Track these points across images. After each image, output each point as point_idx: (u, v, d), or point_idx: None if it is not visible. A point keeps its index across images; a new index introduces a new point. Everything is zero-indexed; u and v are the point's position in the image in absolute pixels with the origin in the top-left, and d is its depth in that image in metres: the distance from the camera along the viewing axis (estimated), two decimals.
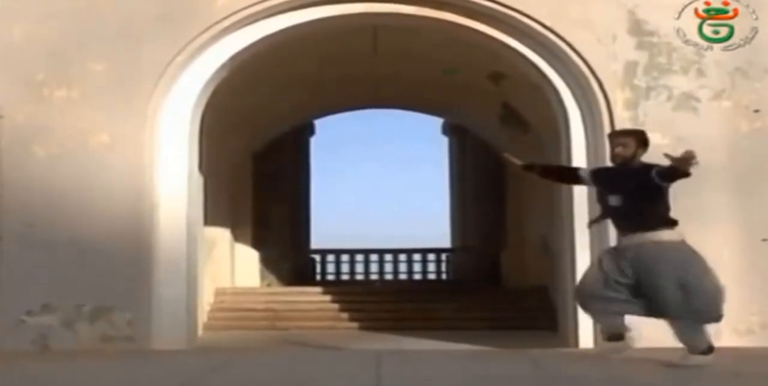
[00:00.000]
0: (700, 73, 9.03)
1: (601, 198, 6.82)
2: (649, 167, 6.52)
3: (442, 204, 22.35)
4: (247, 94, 12.89)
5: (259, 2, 9.14)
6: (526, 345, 9.23)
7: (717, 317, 6.55)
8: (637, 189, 6.51)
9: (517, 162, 7.25)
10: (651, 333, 8.62)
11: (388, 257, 21.80)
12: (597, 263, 6.83)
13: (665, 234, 6.49)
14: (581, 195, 9.06)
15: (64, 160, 8.88)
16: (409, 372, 6.70)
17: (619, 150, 6.63)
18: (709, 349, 6.54)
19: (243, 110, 13.94)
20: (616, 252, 6.67)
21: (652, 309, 6.54)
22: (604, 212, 6.85)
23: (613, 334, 6.73)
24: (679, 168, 6.14)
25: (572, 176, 7.36)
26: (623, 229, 6.63)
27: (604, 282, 6.58)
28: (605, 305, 6.63)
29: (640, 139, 6.70)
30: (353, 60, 13.13)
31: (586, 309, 6.90)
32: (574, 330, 9.05)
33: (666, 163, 6.27)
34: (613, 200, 6.61)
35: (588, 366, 6.78)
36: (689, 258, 6.52)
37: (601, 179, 6.90)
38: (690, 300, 6.37)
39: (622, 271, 6.53)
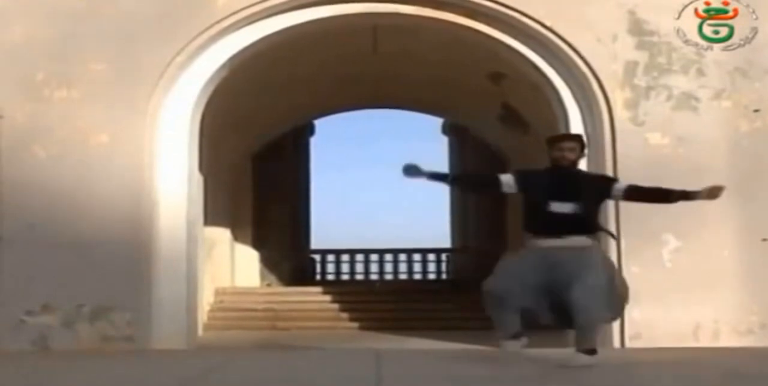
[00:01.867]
0: (700, 72, 9.04)
1: (536, 203, 6.55)
2: (609, 180, 6.67)
3: (442, 204, 22.35)
4: (247, 94, 12.89)
5: (259, 2, 9.14)
6: (526, 345, 9.21)
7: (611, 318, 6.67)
8: (596, 197, 6.56)
9: (423, 169, 6.60)
10: (650, 333, 8.65)
11: (388, 257, 21.77)
12: (511, 264, 6.71)
13: (592, 239, 6.51)
14: None
15: (64, 160, 8.88)
16: (409, 372, 6.69)
17: (568, 154, 6.55)
18: (594, 350, 6.47)
19: (243, 110, 13.94)
20: (535, 254, 6.53)
21: (564, 309, 6.37)
22: (539, 217, 6.55)
23: (516, 333, 6.65)
24: (700, 198, 6.31)
25: (492, 183, 6.84)
26: (560, 234, 6.43)
27: (520, 282, 6.49)
28: (518, 303, 6.55)
29: (582, 143, 6.73)
30: (353, 60, 13.14)
31: (496, 307, 6.75)
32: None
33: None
34: (560, 206, 6.41)
35: (587, 366, 6.76)
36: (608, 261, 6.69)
37: (534, 184, 6.63)
38: (610, 298, 6.38)
39: (541, 272, 6.42)
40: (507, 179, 6.69)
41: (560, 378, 6.29)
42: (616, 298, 6.45)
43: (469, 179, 7.13)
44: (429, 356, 8.37)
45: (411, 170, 6.56)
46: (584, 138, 6.91)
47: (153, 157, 9.03)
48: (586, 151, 6.78)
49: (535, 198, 6.56)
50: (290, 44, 9.99)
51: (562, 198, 6.43)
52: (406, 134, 38.11)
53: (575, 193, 6.46)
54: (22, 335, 8.64)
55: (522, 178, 6.70)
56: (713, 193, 6.29)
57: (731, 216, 8.79)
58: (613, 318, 6.83)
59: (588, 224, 6.49)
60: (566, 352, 6.63)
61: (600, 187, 6.62)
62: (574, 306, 6.26)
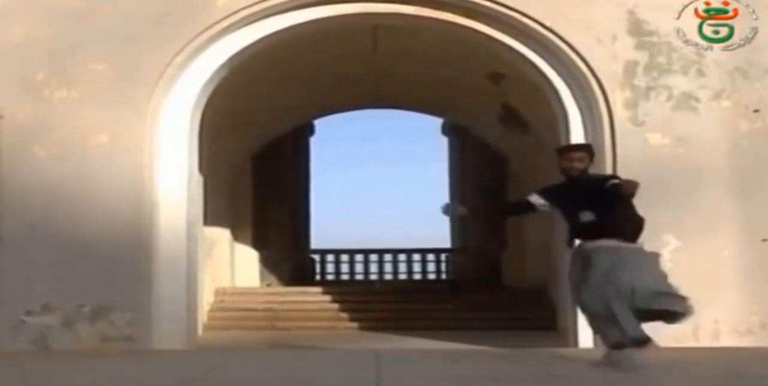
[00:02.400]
0: (700, 73, 9.03)
1: (569, 216, 6.77)
2: (605, 178, 6.75)
3: (442, 204, 22.32)
4: (246, 94, 12.89)
5: (259, 2, 9.14)
6: (526, 345, 9.24)
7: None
8: (607, 200, 6.56)
9: (463, 211, 7.22)
10: (650, 333, 8.64)
11: (388, 257, 21.75)
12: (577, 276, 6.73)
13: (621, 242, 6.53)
14: None
15: (64, 160, 8.88)
16: (409, 372, 6.69)
17: (577, 164, 6.72)
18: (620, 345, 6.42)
19: (243, 110, 13.94)
20: (577, 255, 6.69)
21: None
22: (573, 228, 6.75)
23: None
24: (625, 190, 6.32)
25: (526, 206, 7.10)
26: (592, 238, 6.57)
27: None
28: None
29: (591, 152, 6.91)
30: (353, 60, 13.14)
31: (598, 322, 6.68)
32: (574, 330, 9.05)
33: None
34: (585, 216, 6.57)
35: (588, 366, 6.77)
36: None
37: (558, 198, 6.85)
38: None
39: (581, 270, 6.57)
40: (536, 200, 6.95)
41: (560, 378, 6.29)
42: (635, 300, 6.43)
43: (506, 207, 7.45)
44: (429, 356, 8.37)
45: (450, 209, 7.13)
46: (593, 147, 7.02)
47: (153, 157, 9.03)
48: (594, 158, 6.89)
49: (565, 211, 6.80)
50: (290, 44, 9.99)
51: (583, 208, 6.59)
52: (406, 134, 38.19)
53: (589, 201, 6.58)
54: (22, 335, 8.64)
55: (547, 195, 6.93)
56: (630, 185, 6.30)
57: (731, 216, 8.80)
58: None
59: (611, 228, 6.50)
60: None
61: (601, 189, 6.64)
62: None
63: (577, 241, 6.76)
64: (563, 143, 9.52)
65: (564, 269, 9.67)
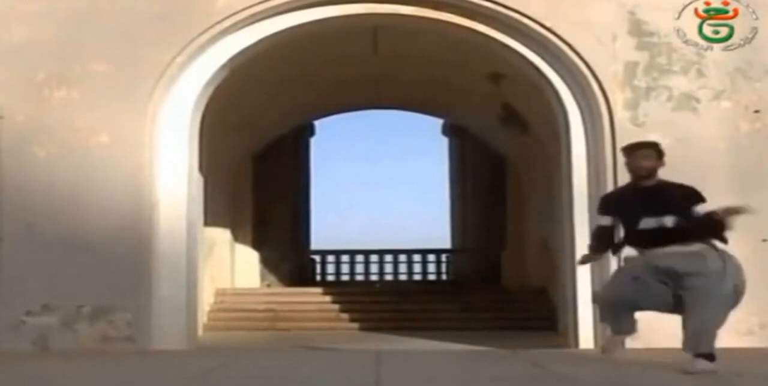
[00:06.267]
0: (700, 73, 9.03)
1: (626, 224, 6.54)
2: (694, 198, 6.55)
3: (442, 204, 22.35)
4: (247, 94, 12.89)
5: (259, 3, 9.14)
6: (526, 345, 9.23)
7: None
8: (686, 208, 6.45)
9: (595, 256, 6.99)
10: (649, 333, 8.64)
11: (388, 258, 21.77)
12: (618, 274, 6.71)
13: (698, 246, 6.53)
14: (581, 196, 9.09)
15: (64, 160, 8.88)
16: (409, 372, 6.69)
17: (645, 163, 6.47)
18: (713, 356, 6.39)
19: (243, 110, 13.95)
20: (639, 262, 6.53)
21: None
22: (632, 235, 6.52)
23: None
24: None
25: (607, 232, 6.74)
26: (655, 246, 6.41)
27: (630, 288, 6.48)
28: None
29: (659, 150, 6.60)
30: (353, 60, 13.14)
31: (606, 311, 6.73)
32: (574, 330, 9.05)
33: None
34: (648, 222, 6.39)
35: (588, 366, 6.77)
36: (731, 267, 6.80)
37: (620, 207, 6.62)
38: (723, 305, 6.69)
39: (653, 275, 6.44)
40: (606, 220, 6.66)
41: (560, 378, 6.29)
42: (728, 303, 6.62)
43: (599, 242, 7.17)
44: (429, 356, 8.37)
45: (587, 260, 7.03)
46: (660, 146, 6.70)
47: (153, 157, 9.03)
48: (664, 159, 6.65)
49: (625, 220, 6.56)
50: (290, 45, 9.99)
51: (649, 214, 6.40)
52: (406, 134, 38.19)
53: (661, 207, 6.42)
54: (22, 335, 8.63)
55: (608, 208, 6.70)
56: (729, 212, 6.28)
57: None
58: (722, 322, 6.68)
59: (683, 234, 6.42)
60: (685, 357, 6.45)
61: (686, 200, 6.53)
62: (686, 311, 6.44)
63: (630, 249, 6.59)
64: (563, 143, 9.53)
65: (564, 269, 9.70)
